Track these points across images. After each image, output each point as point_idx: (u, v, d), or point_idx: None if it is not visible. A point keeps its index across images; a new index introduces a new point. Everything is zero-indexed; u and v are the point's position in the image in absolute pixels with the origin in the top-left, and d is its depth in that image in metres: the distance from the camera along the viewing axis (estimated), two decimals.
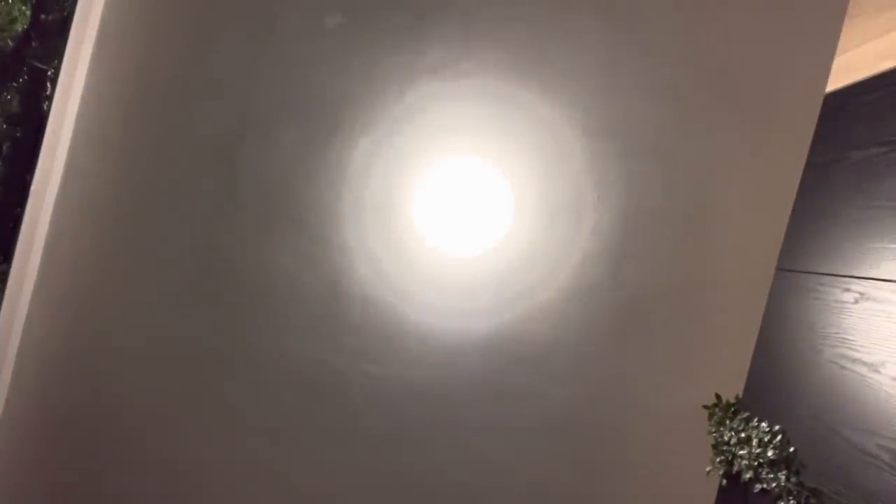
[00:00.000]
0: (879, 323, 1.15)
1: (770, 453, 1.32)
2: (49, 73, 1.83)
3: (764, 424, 1.37)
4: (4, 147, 1.86)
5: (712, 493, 1.53)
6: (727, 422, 1.48)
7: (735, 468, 1.41)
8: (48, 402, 1.74)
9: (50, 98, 1.77)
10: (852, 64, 1.45)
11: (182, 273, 1.70)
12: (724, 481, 1.47)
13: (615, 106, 1.64)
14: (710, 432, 1.53)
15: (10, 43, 1.81)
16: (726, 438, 1.46)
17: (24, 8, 1.71)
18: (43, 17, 1.73)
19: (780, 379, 1.41)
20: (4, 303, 1.76)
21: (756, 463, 1.35)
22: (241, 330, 1.69)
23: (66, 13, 1.70)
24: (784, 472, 1.28)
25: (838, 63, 1.51)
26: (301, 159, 1.67)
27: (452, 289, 1.68)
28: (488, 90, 1.66)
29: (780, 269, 1.52)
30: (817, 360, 1.29)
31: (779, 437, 1.33)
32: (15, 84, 1.84)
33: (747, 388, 1.53)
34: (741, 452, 1.40)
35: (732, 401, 1.53)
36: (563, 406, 1.65)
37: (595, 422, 1.66)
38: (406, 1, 1.66)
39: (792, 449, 1.29)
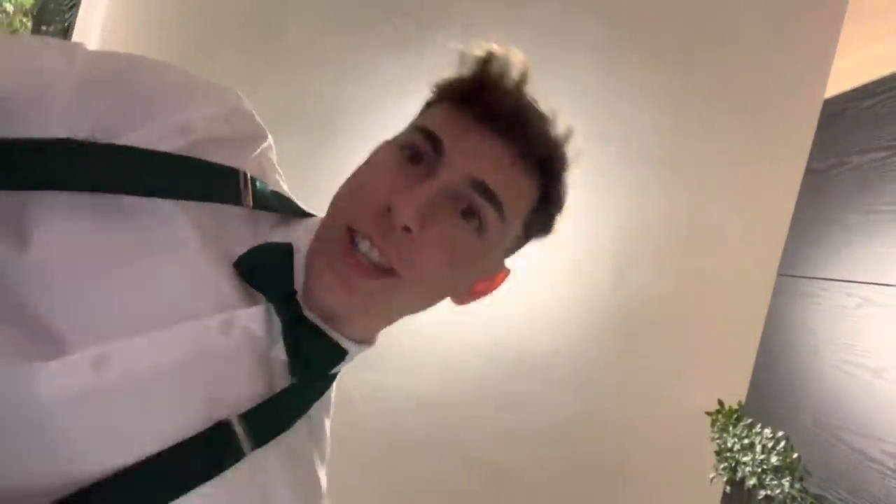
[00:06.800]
0: (882, 328, 1.15)
1: (774, 460, 1.31)
2: None
3: (767, 430, 1.37)
4: None
5: (716, 500, 1.52)
6: (730, 428, 1.48)
7: (739, 475, 1.41)
8: None
9: None
10: (851, 69, 1.45)
11: None
12: (728, 488, 1.46)
13: (615, 112, 1.64)
14: (713, 439, 1.52)
15: None
16: (729, 445, 1.45)
17: (24, 20, 1.72)
18: (44, 28, 1.73)
19: (782, 384, 1.40)
20: None
21: (760, 469, 1.34)
22: None
23: (66, 24, 1.70)
24: (788, 479, 1.27)
25: (837, 68, 1.51)
26: (300, 166, 1.67)
27: None
28: None
29: (782, 274, 1.52)
30: (820, 365, 1.29)
31: (782, 444, 1.32)
32: None
33: (750, 394, 1.52)
34: (745, 459, 1.39)
35: (735, 407, 1.52)
36: (564, 413, 1.65)
37: (597, 428, 1.65)
38: (406, 7, 1.66)
39: (796, 455, 1.28)
